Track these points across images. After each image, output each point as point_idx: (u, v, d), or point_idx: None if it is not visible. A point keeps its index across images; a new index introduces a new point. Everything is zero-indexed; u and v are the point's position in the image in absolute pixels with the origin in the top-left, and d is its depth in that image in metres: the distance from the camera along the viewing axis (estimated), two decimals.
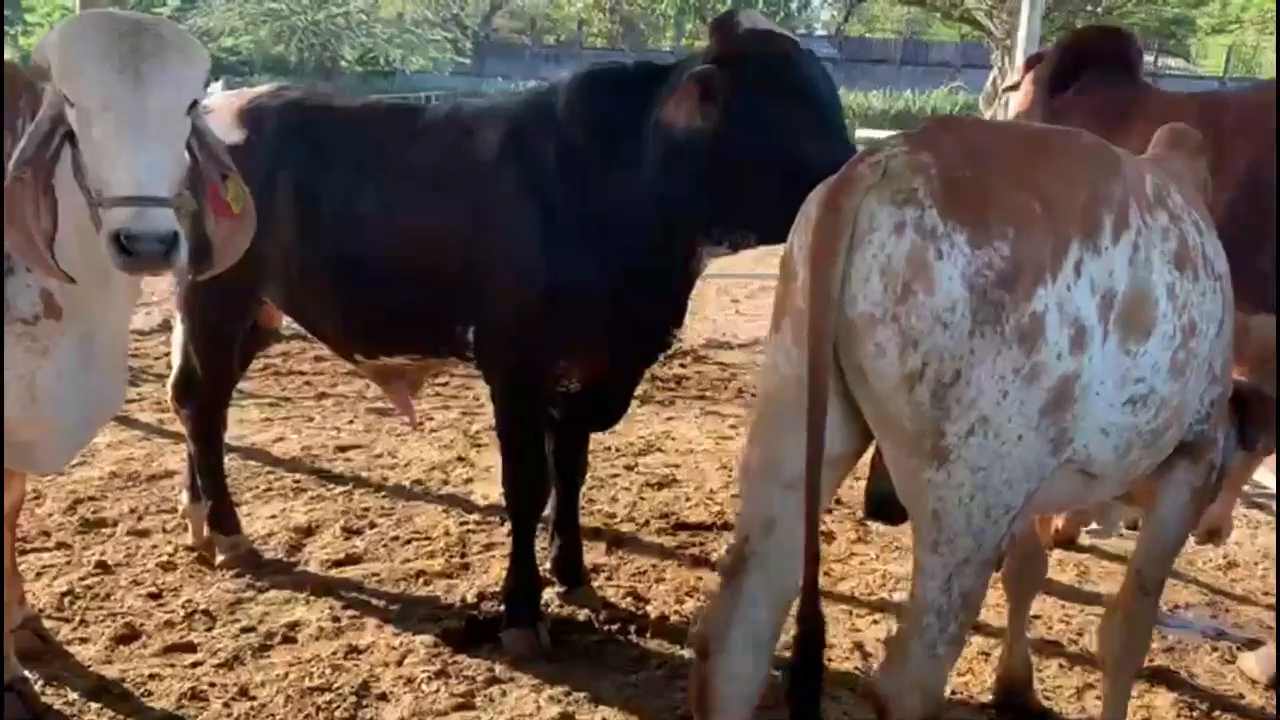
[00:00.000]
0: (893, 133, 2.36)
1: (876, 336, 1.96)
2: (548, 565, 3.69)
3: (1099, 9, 27.84)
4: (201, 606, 3.60)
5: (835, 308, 1.97)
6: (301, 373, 6.51)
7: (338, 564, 3.95)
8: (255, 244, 3.38)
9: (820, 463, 2.00)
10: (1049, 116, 3.71)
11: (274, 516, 4.35)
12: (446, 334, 3.29)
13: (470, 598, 3.68)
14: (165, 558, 3.94)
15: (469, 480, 4.83)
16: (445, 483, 4.79)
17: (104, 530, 4.17)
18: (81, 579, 3.76)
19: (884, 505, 2.38)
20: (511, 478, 3.33)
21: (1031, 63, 4.42)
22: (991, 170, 2.03)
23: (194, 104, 2.49)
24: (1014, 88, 4.56)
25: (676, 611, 3.62)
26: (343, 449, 5.20)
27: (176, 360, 3.88)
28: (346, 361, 3.66)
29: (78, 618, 3.53)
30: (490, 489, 4.70)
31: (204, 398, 3.76)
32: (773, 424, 2.21)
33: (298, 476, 4.80)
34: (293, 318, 3.61)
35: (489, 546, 4.10)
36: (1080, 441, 2.08)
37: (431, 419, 5.70)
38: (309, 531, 4.22)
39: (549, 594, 3.65)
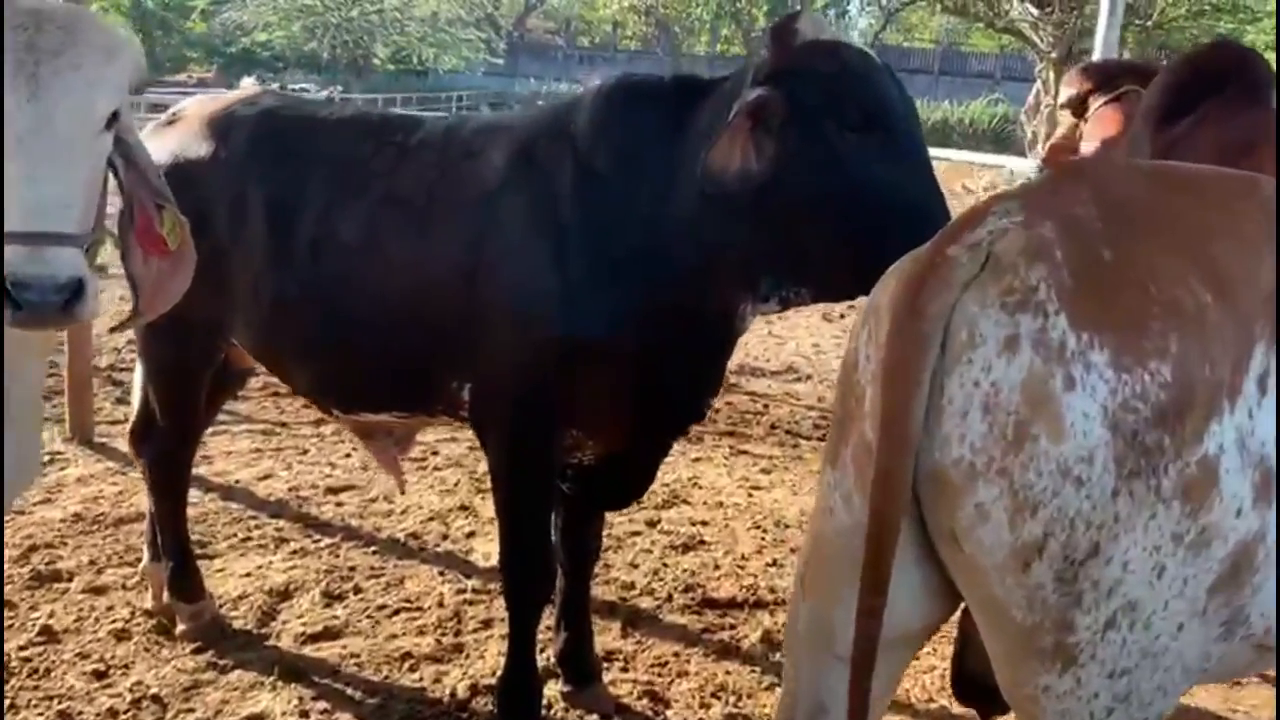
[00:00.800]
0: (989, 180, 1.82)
1: (977, 495, 1.43)
2: (552, 658, 3.17)
3: (1149, 24, 27.16)
4: (152, 690, 3.11)
5: (915, 452, 1.44)
6: None
7: (313, 639, 3.45)
8: (222, 276, 2.92)
9: (875, 652, 1.49)
10: (1159, 154, 3.15)
11: (248, 575, 3.86)
12: (438, 390, 2.79)
13: (461, 691, 3.16)
14: (120, 624, 3.46)
15: (470, 534, 4.32)
16: (444, 536, 4.28)
17: (57, 586, 3.70)
18: (21, 649, 3.28)
19: (978, 690, 1.87)
20: (510, 562, 2.81)
21: (1089, 75, 3.85)
22: (1146, 244, 1.46)
23: (114, 116, 2.01)
24: (1071, 105, 3.94)
25: (701, 718, 3.09)
26: (334, 490, 4.70)
27: (136, 401, 3.39)
28: (323, 414, 3.15)
29: (8, 700, 3.04)
30: (493, 546, 4.09)
31: (165, 447, 3.27)
32: (827, 581, 1.70)
33: (280, 524, 4.31)
34: (259, 362, 3.11)
35: (487, 623, 3.58)
36: (1258, 612, 1.53)
37: (436, 454, 5.21)
38: (285, 594, 3.72)
39: (552, 691, 3.13)
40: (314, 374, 2.92)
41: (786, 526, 4.52)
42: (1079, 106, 3.83)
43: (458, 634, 3.50)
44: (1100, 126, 3.75)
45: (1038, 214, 1.50)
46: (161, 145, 3.00)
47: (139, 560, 3.88)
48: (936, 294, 1.45)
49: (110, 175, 2.11)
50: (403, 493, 4.04)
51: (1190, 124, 3.20)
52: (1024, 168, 17.38)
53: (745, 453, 5.59)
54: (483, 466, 4.89)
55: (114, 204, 2.18)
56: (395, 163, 2.75)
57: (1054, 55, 27.01)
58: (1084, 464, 1.37)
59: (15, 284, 1.79)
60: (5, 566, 3.77)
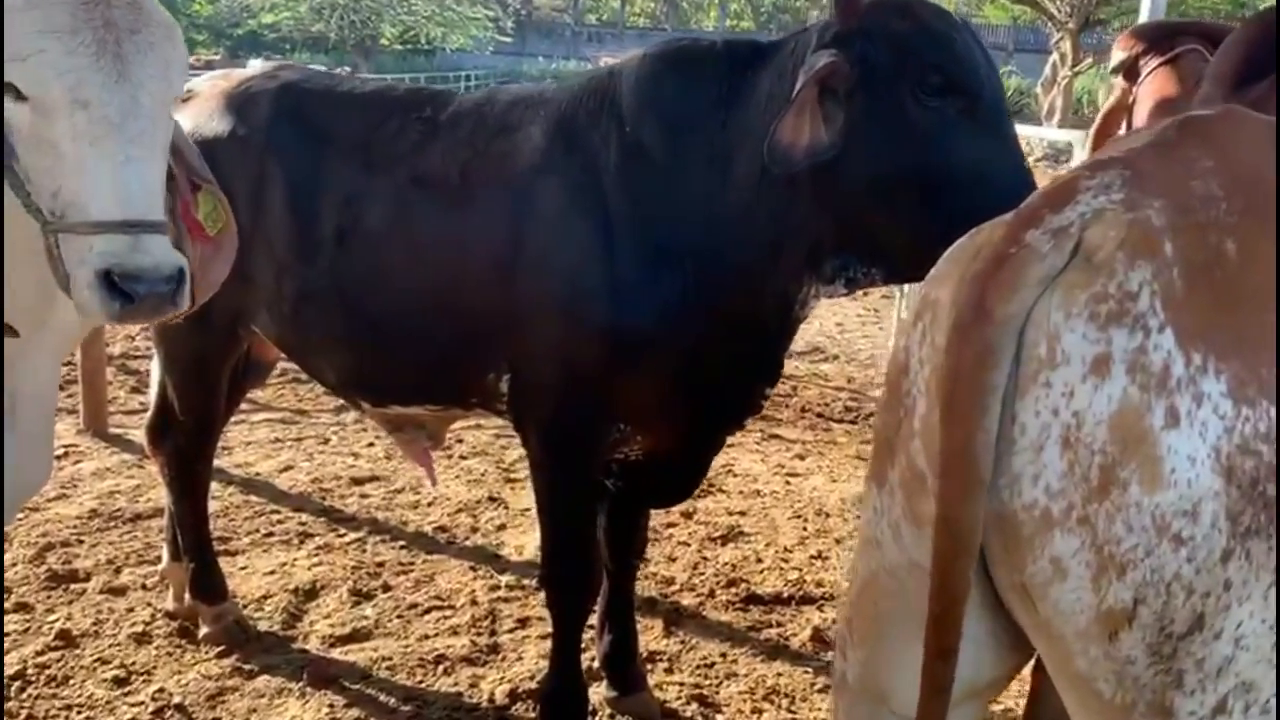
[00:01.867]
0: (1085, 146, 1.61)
1: (1054, 548, 1.17)
2: (596, 661, 3.01)
3: None
4: (175, 699, 2.96)
5: (982, 487, 1.18)
6: None
7: (342, 640, 3.29)
8: (244, 262, 2.72)
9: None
10: None
11: (272, 572, 3.70)
12: (474, 383, 2.61)
13: (499, 696, 3.01)
14: (140, 627, 3.31)
15: (501, 527, 4.15)
16: (474, 529, 4.12)
17: (74, 587, 3.55)
18: (38, 654, 3.13)
19: None
20: (552, 563, 2.64)
21: (1141, 35, 3.61)
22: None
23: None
24: (1122, 68, 3.68)
25: None
26: (358, 481, 4.55)
27: (153, 396, 3.23)
28: (353, 408, 2.97)
29: (24, 712, 2.90)
30: (525, 539, 4.03)
31: (183, 443, 3.11)
32: (878, 628, 1.46)
33: (304, 518, 4.15)
34: (285, 354, 2.94)
35: (523, 621, 3.42)
36: None
37: (461, 442, 5.04)
38: (311, 593, 3.56)
39: (596, 696, 2.97)
40: (342, 367, 2.75)
41: (828, 515, 4.35)
42: (1130, 70, 3.60)
43: (493, 634, 3.35)
44: (1156, 89, 3.54)
45: (1144, 190, 1.19)
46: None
47: (158, 559, 3.72)
48: (1009, 293, 1.17)
49: None
50: (434, 485, 3.88)
51: (1267, 87, 2.99)
52: (1047, 136, 16.94)
53: (778, 437, 5.42)
54: (510, 455, 4.77)
55: None
56: (425, 140, 2.57)
57: (1070, 25, 26.67)
58: (1186, 519, 1.11)
59: (124, 276, 1.68)
60: (20, 566, 3.63)
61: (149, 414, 3.23)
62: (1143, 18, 5.08)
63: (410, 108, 2.64)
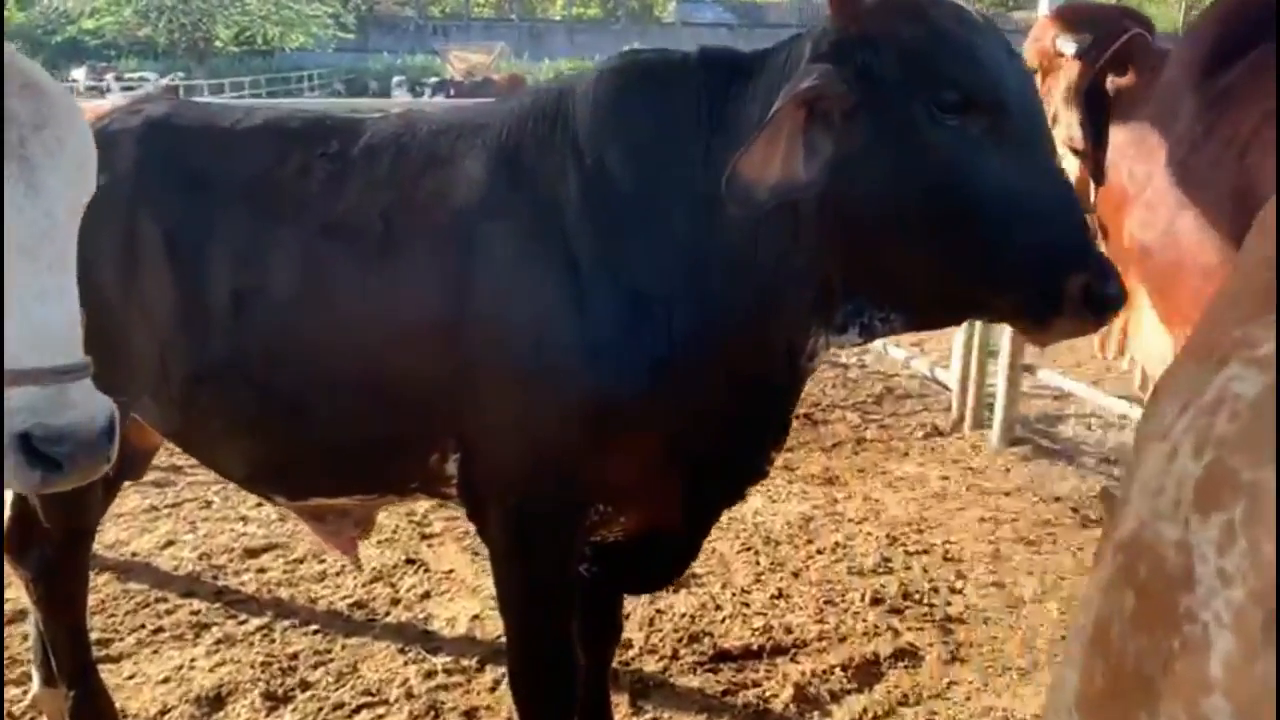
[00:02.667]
0: None
1: None
2: None
3: None
4: None
5: None
6: None
7: None
8: (116, 338, 2.26)
9: None
10: (1209, 105, 2.75)
11: (168, 680, 3.18)
12: (415, 466, 2.20)
13: None
14: None
15: (425, 595, 3.71)
16: (395, 601, 3.66)
17: None
18: None
19: None
20: (523, 669, 2.26)
21: (1068, 17, 3.40)
22: None
23: None
24: (1085, 52, 3.42)
25: None
26: (252, 553, 4.02)
27: (7, 498, 2.68)
28: (265, 501, 2.51)
29: None
30: (455, 608, 3.61)
31: (52, 555, 2.59)
32: None
33: (196, 605, 3.62)
34: (177, 445, 2.46)
35: (470, 714, 3.00)
36: None
37: None
38: (218, 701, 3.07)
39: None
40: (250, 459, 2.29)
41: (777, 544, 4.05)
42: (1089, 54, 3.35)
43: None
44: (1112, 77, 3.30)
45: None
46: None
47: (25, 676, 3.16)
48: None
49: None
50: (359, 568, 3.41)
51: (1244, 71, 2.80)
52: None
53: None
54: (422, 506, 4.31)
55: None
56: (334, 181, 2.12)
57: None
58: None
59: (47, 439, 1.38)
60: None
61: (4, 521, 2.69)
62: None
63: (312, 142, 2.19)
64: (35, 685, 2.87)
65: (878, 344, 6.69)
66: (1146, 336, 3.10)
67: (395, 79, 32.50)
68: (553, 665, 2.22)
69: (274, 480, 2.32)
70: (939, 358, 6.42)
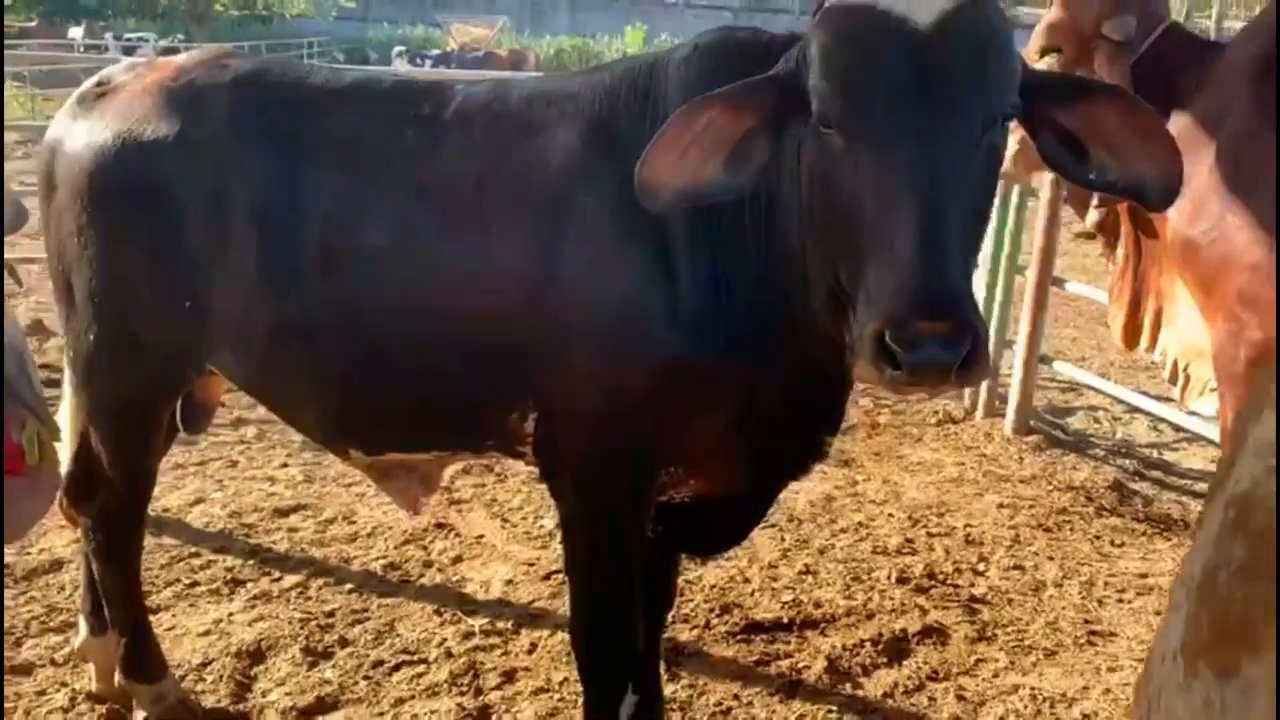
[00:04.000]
0: None
1: None
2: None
3: None
4: None
5: None
6: None
7: (306, 713, 2.88)
8: (196, 292, 2.29)
9: None
10: (1260, 106, 2.79)
11: (208, 632, 3.22)
12: (491, 424, 2.24)
13: None
14: (60, 713, 2.81)
15: (458, 559, 3.76)
16: (427, 564, 3.71)
17: None
18: None
19: None
20: (588, 628, 2.31)
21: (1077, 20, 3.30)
22: None
23: None
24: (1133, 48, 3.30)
25: None
26: (282, 513, 4.06)
27: (68, 448, 2.70)
28: (338, 457, 2.54)
29: None
30: (489, 572, 3.66)
31: (113, 503, 2.61)
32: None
33: (230, 561, 3.66)
34: (256, 398, 2.49)
35: (509, 675, 3.06)
36: None
37: None
38: (258, 655, 3.11)
39: None
40: (329, 412, 2.32)
41: (801, 522, 4.12)
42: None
43: (478, 692, 2.98)
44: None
45: None
46: (95, 124, 2.33)
47: (65, 625, 3.21)
48: None
49: None
50: (417, 513, 3.39)
51: None
52: None
53: None
54: (449, 473, 4.35)
55: None
56: (427, 144, 2.16)
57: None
58: None
59: None
60: None
61: (66, 467, 2.71)
62: None
63: (403, 104, 2.22)
64: (82, 633, 2.91)
65: None
66: (1182, 329, 3.14)
67: (395, 49, 32.28)
68: (617, 623, 2.27)
69: (353, 434, 2.36)
70: None
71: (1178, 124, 3.12)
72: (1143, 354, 3.44)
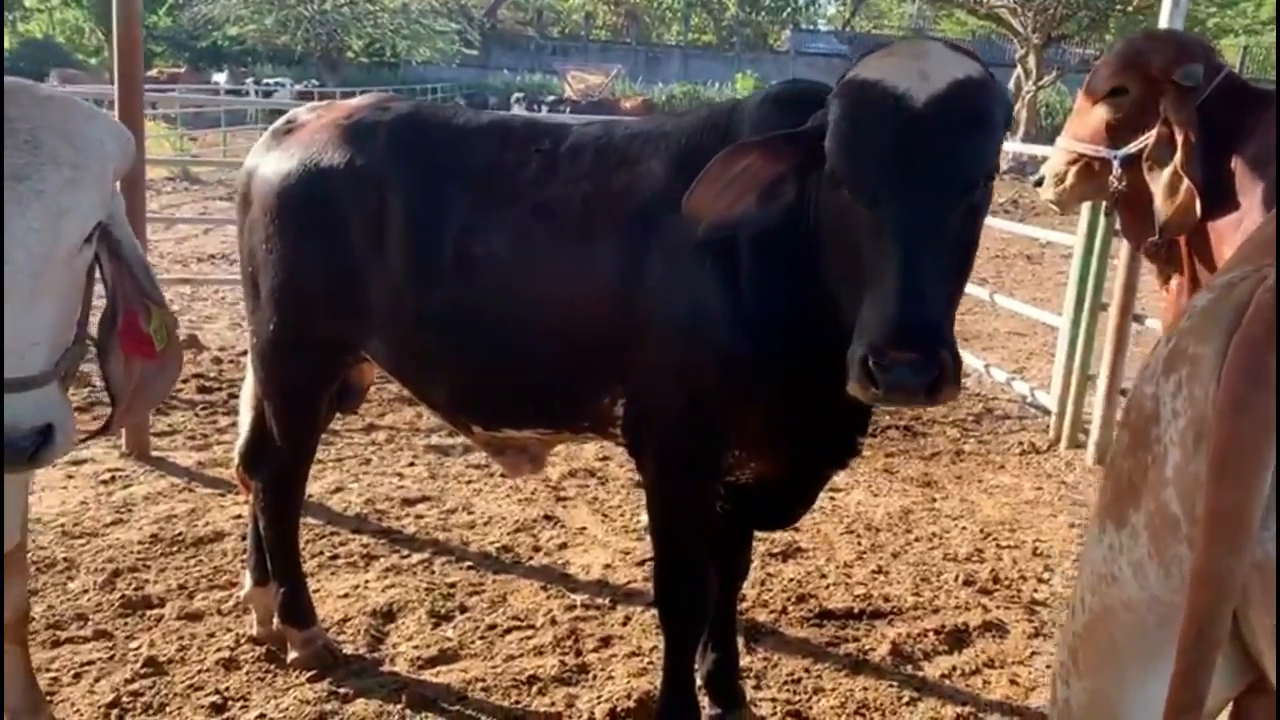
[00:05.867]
0: None
1: None
2: (697, 680, 3.06)
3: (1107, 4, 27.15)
4: None
5: (1250, 544, 1.22)
6: None
7: (430, 662, 3.32)
8: (355, 291, 2.79)
9: None
10: None
11: (347, 595, 3.72)
12: (590, 407, 2.67)
13: (599, 715, 3.05)
14: (226, 653, 3.31)
15: (563, 546, 4.20)
16: (536, 549, 4.16)
17: (150, 613, 3.54)
18: (128, 681, 3.13)
19: None
20: (667, 586, 2.70)
21: (1176, 43, 3.47)
22: None
23: (97, 226, 1.87)
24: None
25: None
26: (410, 502, 4.57)
27: (246, 422, 3.24)
28: (461, 433, 3.01)
29: None
30: (590, 558, 4.09)
31: (280, 469, 3.13)
32: (1111, 658, 1.50)
33: (364, 540, 4.17)
34: (397, 379, 2.97)
35: (606, 641, 3.47)
36: None
37: None
38: (390, 616, 3.59)
39: None
40: (457, 391, 2.80)
41: (878, 530, 4.44)
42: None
43: (579, 654, 3.39)
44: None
45: None
46: (283, 153, 2.86)
47: (229, 583, 3.74)
48: None
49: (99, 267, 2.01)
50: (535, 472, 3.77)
51: None
52: (1012, 149, 17.26)
53: None
54: (556, 472, 4.81)
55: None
56: (545, 172, 2.62)
57: (1035, 40, 27.20)
58: None
59: None
60: (93, 593, 3.62)
61: (242, 439, 3.25)
62: (1163, 24, 5.14)
63: (528, 140, 2.70)
64: (247, 585, 3.42)
65: (979, 365, 7.02)
66: None
67: (514, 95, 33.57)
68: (691, 581, 2.66)
69: (473, 410, 2.82)
70: (1039, 382, 6.69)
71: (1236, 164, 3.39)
72: None
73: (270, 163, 2.88)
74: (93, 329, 2.12)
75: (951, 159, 1.95)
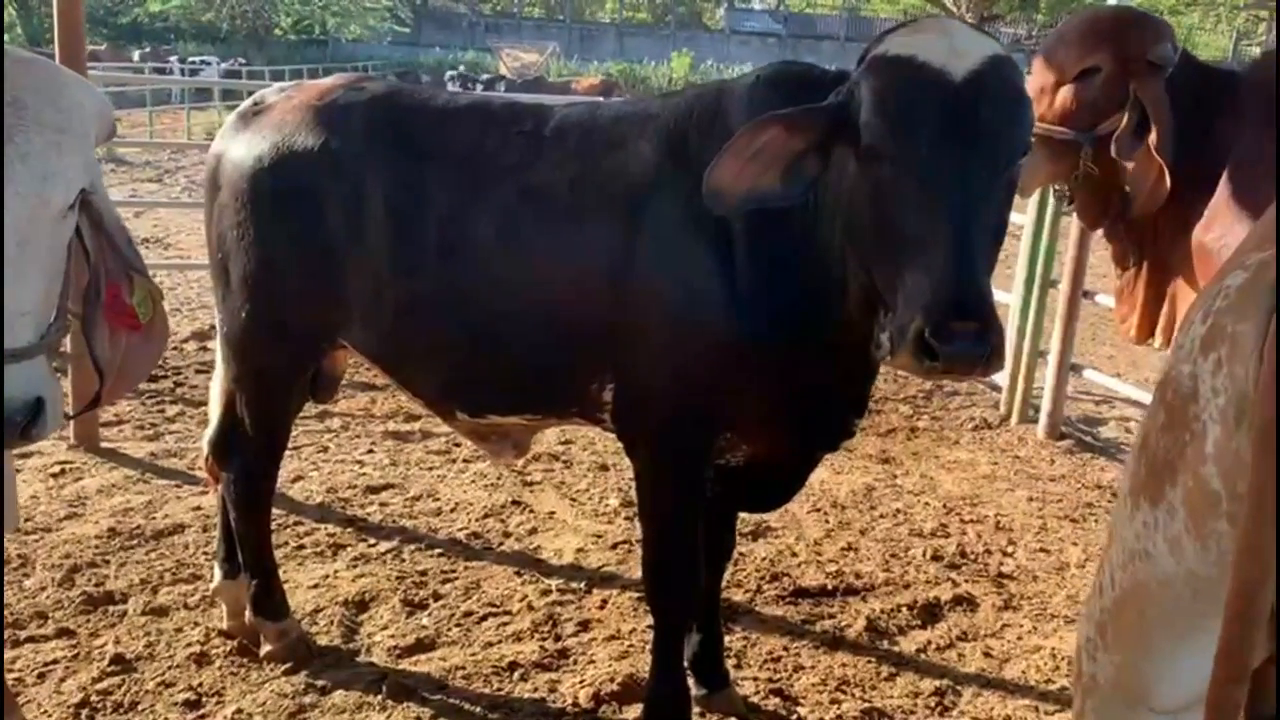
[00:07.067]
0: None
1: None
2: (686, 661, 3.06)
3: None
4: (255, 718, 2.92)
5: None
6: None
7: (408, 651, 3.28)
8: (332, 277, 2.73)
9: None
10: (1265, 127, 3.12)
11: (316, 586, 3.66)
12: (576, 392, 2.65)
13: (584, 699, 3.04)
14: (197, 648, 3.24)
15: (533, 531, 4.17)
16: (506, 534, 4.13)
17: (112, 609, 3.45)
18: (96, 680, 3.05)
19: None
20: (658, 568, 2.69)
21: (1144, 23, 3.48)
22: None
23: (81, 192, 1.82)
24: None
25: (838, 716, 3.03)
26: (373, 490, 4.50)
27: (216, 411, 3.16)
28: (443, 420, 2.97)
29: None
30: (561, 543, 4.07)
31: (252, 460, 3.05)
32: (1142, 632, 1.53)
33: (330, 529, 4.10)
34: (378, 367, 2.91)
35: (584, 625, 3.46)
36: None
37: (459, 445, 5.02)
38: (362, 605, 3.54)
39: None
40: (442, 378, 2.75)
41: (844, 508, 4.48)
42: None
43: (558, 639, 3.37)
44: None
45: None
46: (253, 136, 2.78)
47: (193, 576, 3.66)
48: None
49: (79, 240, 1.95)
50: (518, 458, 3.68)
51: None
52: None
53: None
54: (523, 459, 4.76)
55: None
56: (530, 154, 2.58)
57: (968, 19, 27.53)
58: None
59: None
60: (51, 590, 3.52)
61: (212, 428, 3.16)
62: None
63: (510, 121, 2.65)
64: (216, 578, 3.34)
65: None
66: None
67: (448, 73, 33.10)
68: (681, 563, 2.66)
69: (459, 397, 2.77)
70: None
71: (1206, 144, 3.45)
72: (1155, 348, 3.76)
73: (240, 146, 2.80)
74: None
75: (998, 132, 1.96)
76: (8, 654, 3.12)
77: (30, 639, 3.24)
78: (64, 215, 1.80)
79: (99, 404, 2.17)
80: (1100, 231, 3.45)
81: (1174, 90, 3.41)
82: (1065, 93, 3.25)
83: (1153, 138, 2.97)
